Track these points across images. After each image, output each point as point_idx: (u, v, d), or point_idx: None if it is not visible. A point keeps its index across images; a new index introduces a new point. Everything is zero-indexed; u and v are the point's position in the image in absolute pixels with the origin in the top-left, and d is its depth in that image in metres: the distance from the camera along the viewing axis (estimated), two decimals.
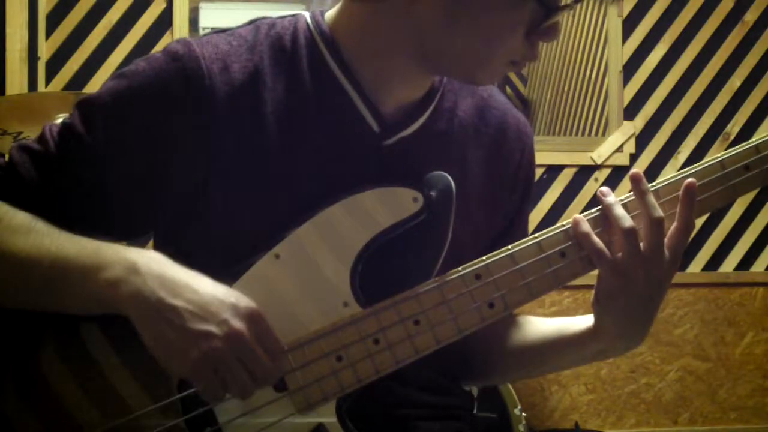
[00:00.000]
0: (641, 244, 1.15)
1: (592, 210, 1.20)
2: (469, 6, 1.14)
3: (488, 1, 1.14)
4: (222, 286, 1.12)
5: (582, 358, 1.32)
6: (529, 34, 1.17)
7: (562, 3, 1.16)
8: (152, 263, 1.11)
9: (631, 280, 1.16)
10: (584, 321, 1.27)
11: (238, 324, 1.08)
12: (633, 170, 1.19)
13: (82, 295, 1.13)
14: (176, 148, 1.18)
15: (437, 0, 1.15)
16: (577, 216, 1.19)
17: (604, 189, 1.20)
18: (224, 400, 1.12)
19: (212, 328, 1.07)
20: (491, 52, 1.18)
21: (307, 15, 1.27)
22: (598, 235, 1.18)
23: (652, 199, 1.17)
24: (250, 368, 1.10)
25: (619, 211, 1.17)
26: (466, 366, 1.40)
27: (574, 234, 1.18)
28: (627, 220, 1.16)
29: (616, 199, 1.18)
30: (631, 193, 1.19)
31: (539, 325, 1.38)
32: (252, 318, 1.10)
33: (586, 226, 1.18)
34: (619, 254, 1.16)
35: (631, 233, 1.15)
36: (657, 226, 1.15)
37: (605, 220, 1.18)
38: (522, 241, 1.20)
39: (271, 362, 1.11)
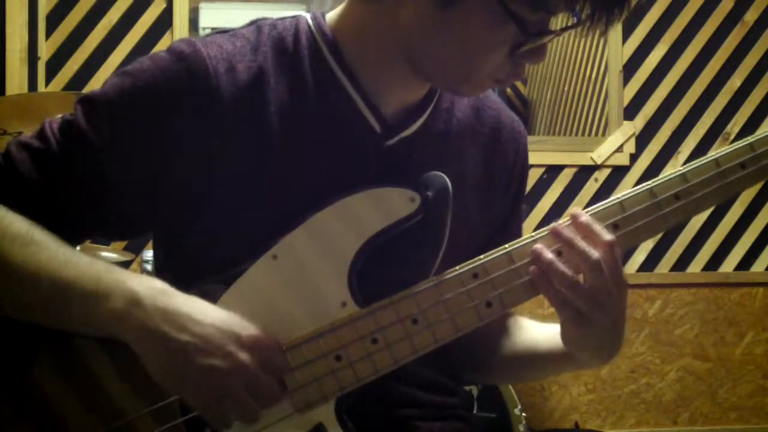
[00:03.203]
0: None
1: (542, 230, 1.19)
2: (450, 20, 1.14)
3: (469, 17, 1.13)
4: (224, 314, 1.12)
5: (557, 373, 1.35)
6: (513, 54, 1.16)
7: (544, 29, 1.15)
8: (154, 294, 1.10)
9: (599, 309, 1.16)
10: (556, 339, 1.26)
11: (242, 355, 1.09)
12: (573, 211, 1.18)
13: (82, 322, 1.12)
14: (180, 147, 1.17)
15: (422, 10, 1.15)
16: (536, 246, 1.17)
17: (558, 227, 1.18)
18: (231, 427, 1.12)
19: (218, 362, 1.08)
20: (472, 68, 1.18)
21: (308, 16, 1.27)
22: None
23: (597, 226, 1.17)
24: (257, 396, 1.11)
25: (582, 245, 1.16)
26: (468, 363, 1.41)
27: (538, 263, 1.17)
28: (592, 253, 1.15)
29: (573, 232, 1.17)
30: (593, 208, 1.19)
31: (531, 332, 1.39)
32: (255, 345, 1.10)
33: (548, 255, 1.17)
34: (587, 286, 1.16)
35: (597, 264, 1.15)
36: (611, 248, 1.15)
37: (569, 250, 1.17)
38: (519, 239, 1.20)
39: (278, 385, 1.12)
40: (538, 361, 1.34)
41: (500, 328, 1.40)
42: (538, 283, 1.18)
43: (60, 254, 1.14)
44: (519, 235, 1.21)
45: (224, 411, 1.10)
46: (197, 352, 1.08)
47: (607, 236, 1.16)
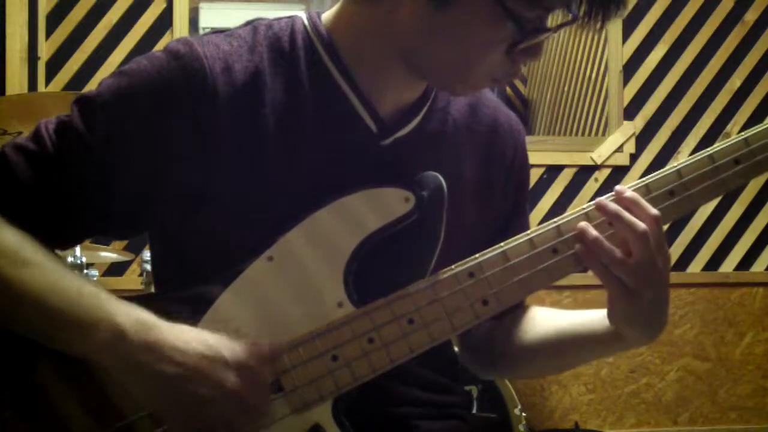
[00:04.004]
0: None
1: (585, 206, 1.20)
2: (447, 19, 1.14)
3: (466, 16, 1.13)
4: (208, 338, 1.11)
5: (600, 356, 1.33)
6: (510, 53, 1.16)
7: (543, 26, 1.15)
8: (138, 327, 1.09)
9: (648, 286, 1.17)
10: (603, 321, 1.26)
11: (231, 380, 1.09)
12: (617, 187, 1.20)
13: (67, 350, 1.11)
14: (176, 146, 1.17)
15: (418, 10, 1.15)
16: (583, 223, 1.19)
17: (603, 201, 1.19)
18: None
19: (208, 392, 1.08)
20: (470, 67, 1.18)
21: (303, 16, 1.27)
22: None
23: (643, 201, 1.18)
24: (248, 416, 1.11)
25: (629, 217, 1.17)
26: (481, 358, 1.41)
27: (583, 242, 1.18)
28: (639, 225, 1.16)
29: (617, 206, 1.18)
30: (613, 193, 1.20)
31: (553, 320, 1.37)
32: (243, 368, 1.10)
33: (593, 232, 1.18)
34: (632, 258, 1.17)
35: (644, 236, 1.16)
36: (657, 223, 1.17)
37: (607, 226, 1.18)
38: (514, 238, 1.20)
39: (267, 402, 1.12)
40: (575, 346, 1.32)
41: (517, 318, 1.39)
42: (585, 260, 1.18)
43: (49, 277, 1.11)
44: (528, 226, 1.21)
45: None
46: (184, 382, 1.08)
47: (653, 210, 1.17)
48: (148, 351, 1.08)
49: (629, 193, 1.19)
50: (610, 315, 1.22)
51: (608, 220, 1.19)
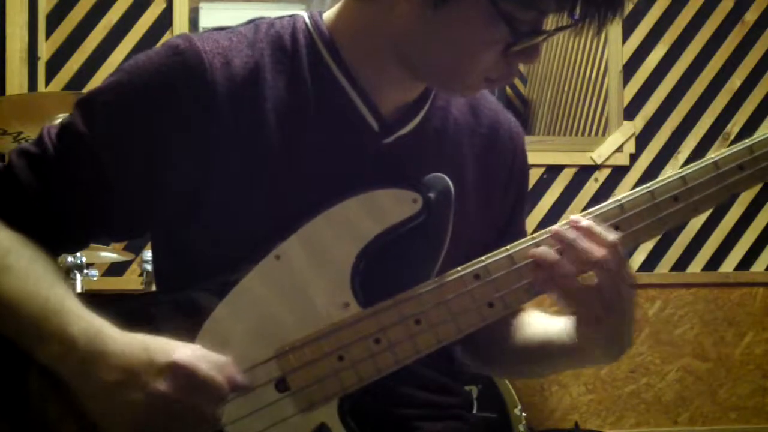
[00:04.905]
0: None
1: (530, 238, 1.20)
2: (443, 19, 1.14)
3: (461, 16, 1.13)
4: (151, 342, 1.10)
5: (570, 367, 1.37)
6: (506, 54, 1.16)
7: (536, 29, 1.15)
8: (88, 337, 1.09)
9: (609, 306, 1.18)
10: (569, 334, 1.27)
11: (159, 384, 1.08)
12: (572, 217, 1.20)
13: (37, 359, 1.12)
14: (177, 143, 1.17)
15: (414, 10, 1.15)
16: (539, 249, 1.19)
17: (558, 229, 1.19)
18: None
19: (137, 396, 1.07)
20: (465, 67, 1.18)
21: (305, 15, 1.27)
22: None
23: (598, 228, 1.18)
24: (183, 420, 1.09)
25: (585, 245, 1.17)
26: (479, 355, 1.41)
27: (541, 262, 1.18)
28: (594, 252, 1.17)
29: (575, 233, 1.18)
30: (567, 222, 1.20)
31: (539, 325, 1.38)
32: (177, 370, 1.08)
33: (553, 255, 1.18)
34: (598, 285, 1.17)
35: (599, 263, 1.16)
36: (615, 248, 1.17)
37: (571, 252, 1.18)
38: (520, 241, 1.20)
39: (211, 407, 1.10)
40: (549, 355, 1.33)
41: (512, 321, 1.40)
42: (544, 286, 1.18)
43: (23, 285, 1.13)
44: (524, 235, 1.21)
45: None
46: (120, 388, 1.08)
47: (610, 236, 1.17)
48: (93, 360, 1.09)
49: (584, 222, 1.18)
50: (575, 333, 1.23)
51: (562, 248, 1.18)
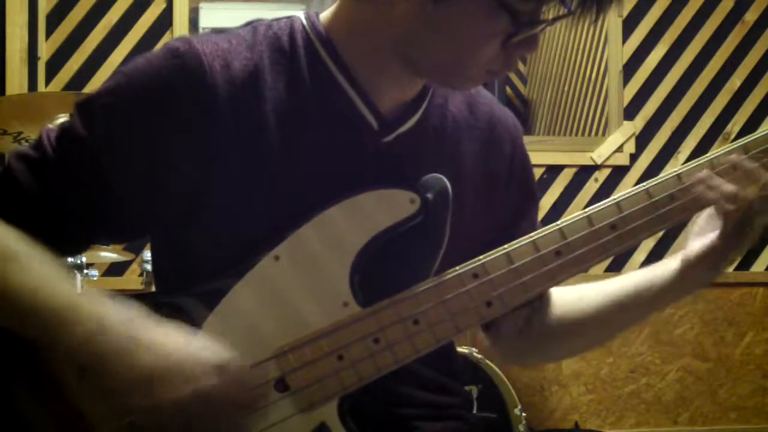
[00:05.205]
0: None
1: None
2: (444, 13, 1.14)
3: (461, 10, 1.14)
4: (193, 339, 1.09)
5: (653, 312, 1.38)
6: (506, 45, 1.17)
7: (536, 19, 1.16)
8: (122, 319, 1.07)
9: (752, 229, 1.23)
10: (663, 275, 1.31)
11: (210, 381, 1.05)
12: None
13: (47, 349, 1.08)
14: (177, 146, 1.17)
15: (414, 6, 1.16)
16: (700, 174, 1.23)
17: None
18: None
19: (184, 386, 1.04)
20: (466, 60, 1.18)
21: (302, 16, 1.27)
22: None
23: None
24: (223, 423, 1.07)
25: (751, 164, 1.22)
26: (506, 349, 1.43)
27: (707, 184, 1.22)
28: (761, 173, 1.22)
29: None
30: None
31: (599, 291, 1.38)
32: (224, 374, 1.07)
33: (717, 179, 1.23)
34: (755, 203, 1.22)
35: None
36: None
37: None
38: (518, 240, 1.21)
39: (246, 407, 1.09)
40: (629, 306, 1.35)
41: (555, 299, 1.41)
42: (708, 201, 1.23)
43: (38, 276, 1.10)
44: (536, 226, 1.22)
45: None
46: (162, 374, 1.04)
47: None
48: (129, 341, 1.05)
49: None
50: (710, 252, 1.26)
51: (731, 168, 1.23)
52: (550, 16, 1.17)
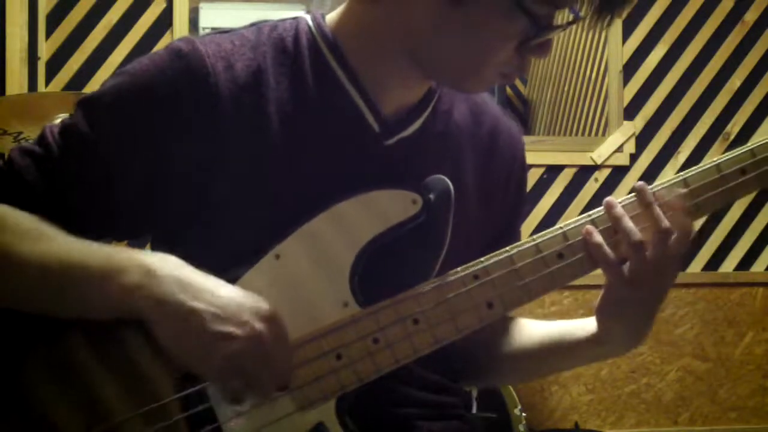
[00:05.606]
0: (648, 254, 1.18)
1: (591, 213, 1.21)
2: (462, 15, 1.15)
3: (479, 12, 1.14)
4: (240, 290, 1.12)
5: (581, 362, 1.37)
6: (520, 49, 1.17)
7: (555, 23, 1.17)
8: (168, 265, 1.10)
9: (639, 289, 1.19)
10: (585, 326, 1.30)
11: (258, 325, 1.08)
12: (637, 183, 1.20)
13: (96, 302, 1.11)
14: (180, 146, 1.18)
15: (431, 8, 1.16)
16: (589, 227, 1.20)
17: (611, 200, 1.20)
18: (244, 402, 1.12)
19: (234, 329, 1.07)
20: (480, 62, 1.19)
21: (308, 17, 1.28)
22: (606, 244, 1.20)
23: (658, 210, 1.18)
24: (270, 369, 1.10)
25: (629, 224, 1.18)
26: (467, 366, 1.41)
27: (586, 244, 1.19)
28: (636, 234, 1.18)
29: (622, 210, 1.19)
30: (631, 195, 1.20)
31: (537, 329, 1.39)
32: (271, 320, 1.10)
33: (598, 237, 1.19)
34: (628, 265, 1.19)
35: (640, 247, 1.17)
36: (665, 236, 1.18)
37: (611, 230, 1.20)
38: (521, 242, 1.21)
39: (289, 363, 1.12)
40: (556, 353, 1.35)
41: (502, 329, 1.41)
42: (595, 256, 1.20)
43: (70, 242, 1.14)
44: (518, 238, 1.23)
45: (237, 383, 1.09)
46: (214, 318, 1.07)
47: (663, 224, 1.18)
48: (179, 287, 1.08)
49: (650, 196, 1.19)
50: (600, 306, 1.24)
51: (611, 222, 1.20)
52: (565, 21, 1.17)
